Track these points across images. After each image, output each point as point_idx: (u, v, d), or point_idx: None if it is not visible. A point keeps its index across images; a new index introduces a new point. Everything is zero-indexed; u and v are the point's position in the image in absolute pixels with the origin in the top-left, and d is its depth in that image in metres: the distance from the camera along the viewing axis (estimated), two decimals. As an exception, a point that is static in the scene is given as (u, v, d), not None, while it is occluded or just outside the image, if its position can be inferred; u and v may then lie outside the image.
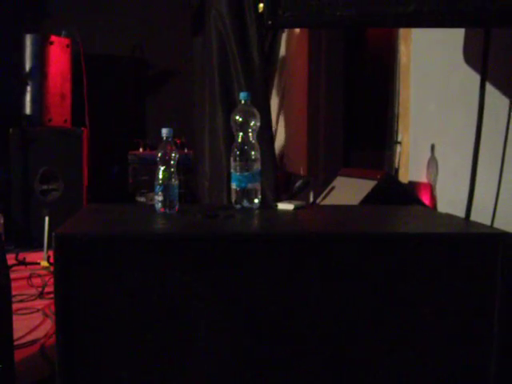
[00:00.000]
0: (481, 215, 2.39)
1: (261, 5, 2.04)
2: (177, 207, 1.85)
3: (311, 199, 4.57)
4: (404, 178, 3.59)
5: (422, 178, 3.33)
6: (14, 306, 2.82)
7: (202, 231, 1.61)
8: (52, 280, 1.45)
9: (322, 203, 3.29)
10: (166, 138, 1.85)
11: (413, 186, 3.42)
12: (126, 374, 1.48)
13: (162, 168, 1.84)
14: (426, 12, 1.84)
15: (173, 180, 1.84)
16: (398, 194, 2.95)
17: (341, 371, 1.55)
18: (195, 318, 1.48)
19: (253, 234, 1.61)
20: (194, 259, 1.48)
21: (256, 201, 1.92)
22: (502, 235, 1.56)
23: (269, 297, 1.51)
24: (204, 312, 1.49)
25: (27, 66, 4.70)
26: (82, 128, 4.85)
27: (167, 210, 1.83)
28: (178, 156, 1.86)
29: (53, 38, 4.76)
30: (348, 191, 3.13)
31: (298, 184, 3.83)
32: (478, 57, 2.23)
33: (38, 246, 4.16)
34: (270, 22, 1.91)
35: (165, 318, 1.48)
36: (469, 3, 1.85)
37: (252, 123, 1.91)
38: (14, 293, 2.89)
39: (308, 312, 1.52)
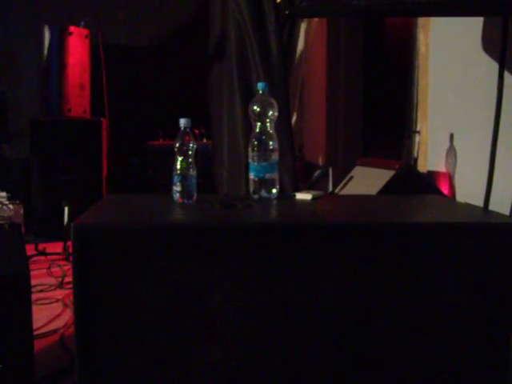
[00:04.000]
0: (499, 205, 2.37)
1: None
2: (195, 197, 1.86)
3: (330, 189, 4.57)
4: (423, 167, 3.57)
5: (440, 167, 3.31)
6: (34, 296, 2.86)
7: (219, 221, 1.61)
8: (71, 270, 1.47)
9: (341, 193, 3.28)
10: (184, 128, 1.85)
11: (431, 175, 3.41)
12: (144, 363, 1.49)
13: (180, 158, 1.84)
14: (443, 1, 1.83)
15: (191, 170, 1.84)
16: (416, 184, 2.94)
17: (361, 361, 1.55)
18: (213, 307, 1.49)
19: (270, 224, 1.61)
20: (211, 249, 1.48)
21: (274, 191, 1.92)
22: (521, 225, 1.55)
23: (287, 287, 1.51)
24: (221, 301, 1.49)
25: (46, 57, 4.72)
26: (102, 118, 4.87)
27: (185, 201, 1.83)
28: (195, 146, 1.85)
29: (71, 28, 4.77)
30: (366, 181, 3.12)
31: (316, 174, 3.82)
32: (497, 45, 2.22)
33: (57, 237, 4.18)
34: (286, 12, 1.91)
35: (182, 307, 1.49)
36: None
37: (270, 113, 1.91)
38: (33, 283, 2.92)
39: (324, 301, 1.52)
